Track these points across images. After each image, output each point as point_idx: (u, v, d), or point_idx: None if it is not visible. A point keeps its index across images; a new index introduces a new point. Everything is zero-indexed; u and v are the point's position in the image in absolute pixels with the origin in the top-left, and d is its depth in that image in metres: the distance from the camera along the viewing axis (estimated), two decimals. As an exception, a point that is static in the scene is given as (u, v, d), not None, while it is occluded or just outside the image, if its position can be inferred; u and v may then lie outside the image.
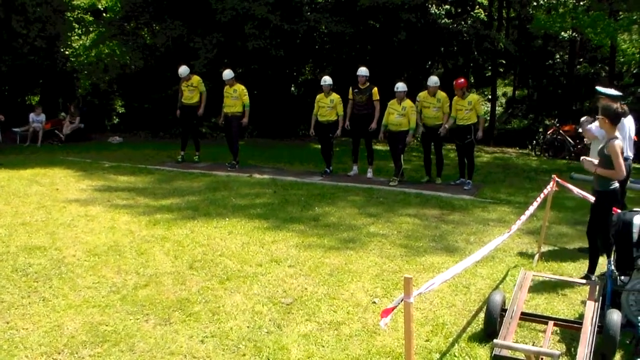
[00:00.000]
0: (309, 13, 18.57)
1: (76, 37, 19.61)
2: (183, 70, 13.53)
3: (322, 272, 6.29)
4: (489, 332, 4.74)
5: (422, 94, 11.75)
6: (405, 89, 11.44)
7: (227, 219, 8.46)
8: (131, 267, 6.38)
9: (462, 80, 11.30)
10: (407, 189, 10.94)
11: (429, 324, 5.04)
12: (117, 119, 23.34)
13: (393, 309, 3.14)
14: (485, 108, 12.03)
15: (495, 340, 4.33)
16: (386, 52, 21.36)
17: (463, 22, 21.08)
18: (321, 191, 10.61)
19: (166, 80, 19.85)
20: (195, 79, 13.78)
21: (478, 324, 5.04)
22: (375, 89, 12.12)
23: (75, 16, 19.86)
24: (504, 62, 28.15)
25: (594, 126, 7.08)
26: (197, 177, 12.01)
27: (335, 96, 12.32)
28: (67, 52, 19.09)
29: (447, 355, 4.49)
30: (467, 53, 24.13)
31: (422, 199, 10.15)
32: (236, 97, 12.98)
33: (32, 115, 17.92)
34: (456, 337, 4.81)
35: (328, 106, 12.30)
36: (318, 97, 12.52)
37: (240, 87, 13.07)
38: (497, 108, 27.82)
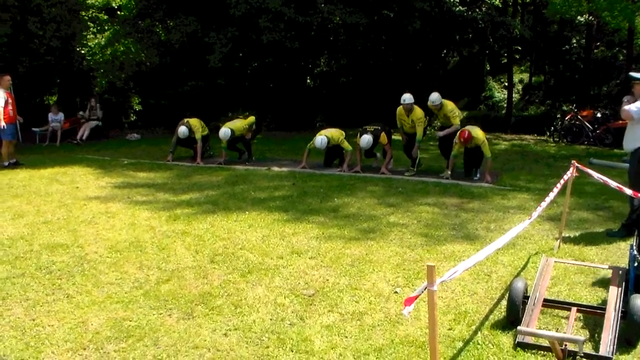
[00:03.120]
0: (322, 4, 18.52)
1: (91, 36, 19.73)
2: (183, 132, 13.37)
3: (343, 263, 6.30)
4: (512, 319, 4.73)
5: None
6: (412, 100, 11.33)
7: (246, 212, 8.49)
8: (153, 262, 6.42)
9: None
10: (426, 178, 10.92)
11: (451, 313, 5.03)
12: (134, 116, 23.48)
13: (416, 297, 3.14)
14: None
15: (518, 328, 4.32)
16: (401, 42, 21.28)
17: (478, 10, 20.96)
18: (340, 182, 10.62)
19: (182, 76, 19.93)
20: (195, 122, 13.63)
21: (500, 312, 5.02)
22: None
23: (89, 15, 19.94)
24: (519, 48, 27.99)
25: (635, 107, 7.08)
26: (216, 171, 12.06)
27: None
28: (82, 51, 19.21)
29: (471, 343, 4.48)
30: (483, 40, 24.02)
31: (441, 188, 10.13)
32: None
33: (50, 115, 18.08)
34: (479, 325, 4.79)
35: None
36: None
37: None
38: (513, 95, 27.63)
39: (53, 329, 4.85)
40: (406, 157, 12.30)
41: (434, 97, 11.29)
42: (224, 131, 12.94)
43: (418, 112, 11.40)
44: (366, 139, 11.30)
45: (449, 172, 11.26)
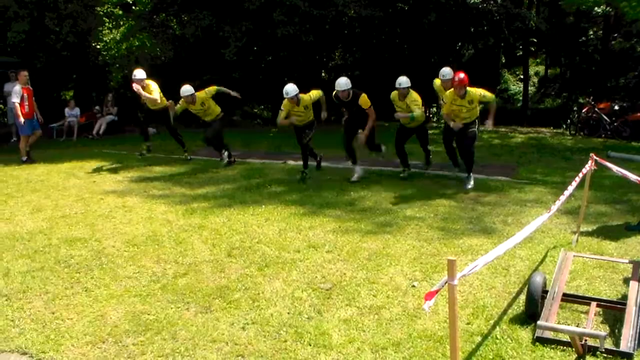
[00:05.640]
0: (337, -3, 18.49)
1: (107, 31, 19.80)
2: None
3: (360, 256, 6.29)
4: (531, 313, 4.70)
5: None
6: (409, 84, 9.98)
7: (263, 206, 8.50)
8: (170, 256, 6.45)
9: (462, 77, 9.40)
10: (442, 172, 10.88)
11: (469, 307, 5.00)
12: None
13: (437, 291, 3.12)
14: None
15: (539, 322, 4.29)
16: (416, 35, 21.19)
17: (493, 2, 20.81)
18: (355, 176, 10.59)
19: (197, 70, 19.94)
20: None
21: (519, 306, 4.99)
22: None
23: (105, 10, 20.02)
24: (535, 40, 27.73)
25: None
26: (231, 165, 12.07)
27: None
28: (98, 47, 19.30)
29: (489, 338, 4.45)
30: (498, 33, 23.83)
31: (457, 181, 10.08)
32: (207, 108, 11.81)
33: (66, 110, 18.17)
34: (497, 319, 4.77)
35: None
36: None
37: (206, 100, 11.74)
38: (529, 88, 27.44)
39: (72, 322, 4.90)
40: (420, 151, 11.27)
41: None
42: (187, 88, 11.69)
43: (414, 94, 10.08)
44: (343, 80, 10.03)
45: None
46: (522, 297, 5.05)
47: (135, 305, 5.20)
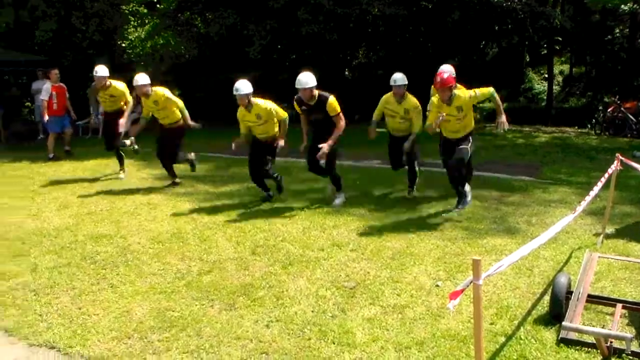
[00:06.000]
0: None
1: (132, 30, 20.00)
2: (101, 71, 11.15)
3: (384, 255, 6.30)
4: (555, 314, 4.67)
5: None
6: (405, 81, 8.51)
7: (287, 204, 8.53)
8: (195, 253, 6.50)
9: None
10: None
11: (493, 307, 4.99)
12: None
13: (462, 291, 3.12)
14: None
15: (564, 323, 4.27)
16: (440, 34, 21.11)
17: (517, 0, 20.67)
18: (378, 174, 10.59)
19: (221, 68, 20.04)
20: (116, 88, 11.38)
21: (543, 307, 4.96)
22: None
23: (130, 9, 20.22)
24: (560, 39, 27.47)
25: None
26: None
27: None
28: (123, 45, 19.47)
29: (513, 338, 4.44)
30: (522, 31, 23.67)
31: (480, 180, 10.03)
32: (163, 109, 9.85)
33: (92, 108, 18.31)
34: (521, 319, 4.75)
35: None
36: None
37: (164, 101, 9.75)
38: (554, 87, 27.21)
39: (98, 317, 4.95)
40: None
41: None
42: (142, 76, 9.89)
43: (413, 98, 8.54)
44: (305, 76, 8.16)
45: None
46: (546, 298, 5.02)
47: (160, 302, 5.25)
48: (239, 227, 7.43)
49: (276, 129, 8.61)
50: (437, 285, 5.48)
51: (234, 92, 8.25)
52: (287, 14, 18.61)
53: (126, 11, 20.05)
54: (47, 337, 4.62)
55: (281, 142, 8.59)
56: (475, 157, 9.99)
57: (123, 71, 21.11)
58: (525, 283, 5.53)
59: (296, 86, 8.10)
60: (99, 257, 6.46)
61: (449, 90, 7.43)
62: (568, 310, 4.59)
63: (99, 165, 12.07)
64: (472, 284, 3.10)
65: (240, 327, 4.70)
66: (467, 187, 8.03)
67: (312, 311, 4.96)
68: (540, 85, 29.99)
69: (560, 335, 4.35)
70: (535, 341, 4.37)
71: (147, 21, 20.42)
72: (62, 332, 4.69)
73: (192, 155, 10.52)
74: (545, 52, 28.16)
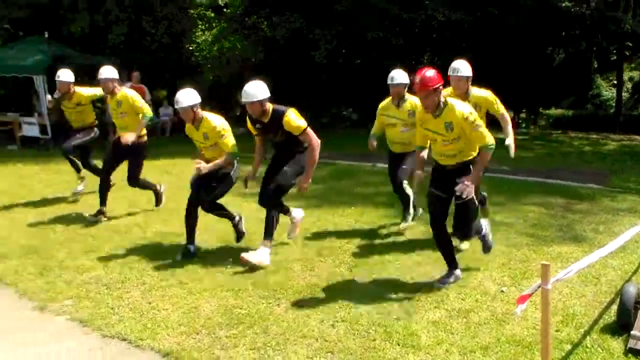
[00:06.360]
0: (427, 2, 18.42)
1: (200, 33, 20.32)
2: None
3: (448, 260, 6.28)
4: (623, 324, 4.58)
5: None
6: (407, 80, 7.28)
7: (352, 207, 8.60)
8: (261, 253, 6.59)
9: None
10: (529, 178, 10.68)
11: (558, 314, 4.93)
12: (239, 111, 24.02)
13: (529, 295, 3.13)
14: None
15: (632, 332, 4.20)
16: (505, 39, 20.87)
17: (586, 5, 20.26)
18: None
19: (287, 72, 20.22)
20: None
21: (610, 316, 4.88)
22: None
23: (198, 13, 20.59)
24: (630, 44, 26.77)
25: None
26: (319, 166, 12.18)
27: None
28: (191, 48, 19.83)
29: (580, 346, 4.38)
30: (591, 37, 23.17)
31: (545, 187, 9.91)
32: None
33: (161, 109, 18.80)
34: (588, 328, 4.68)
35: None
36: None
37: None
38: (623, 94, 26.54)
39: (168, 312, 5.10)
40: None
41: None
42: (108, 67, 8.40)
43: (414, 101, 7.05)
44: (250, 87, 6.28)
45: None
46: (614, 307, 4.93)
47: (228, 299, 5.37)
48: (305, 228, 7.50)
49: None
50: (502, 291, 5.45)
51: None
52: (352, 18, 18.68)
53: (194, 15, 20.42)
54: (119, 329, 4.79)
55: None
56: (541, 164, 9.77)
57: (190, 73, 21.65)
58: (591, 291, 5.45)
59: (242, 100, 6.37)
60: (167, 254, 6.64)
61: (433, 95, 5.32)
62: (637, 320, 4.51)
63: (166, 165, 12.39)
64: (539, 288, 3.10)
65: (306, 326, 4.77)
66: (484, 222, 6.15)
67: (377, 313, 4.99)
68: (608, 92, 29.32)
69: (629, 345, 4.28)
70: (602, 350, 4.31)
71: (214, 25, 20.71)
72: (133, 325, 4.86)
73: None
74: (615, 57, 27.45)
